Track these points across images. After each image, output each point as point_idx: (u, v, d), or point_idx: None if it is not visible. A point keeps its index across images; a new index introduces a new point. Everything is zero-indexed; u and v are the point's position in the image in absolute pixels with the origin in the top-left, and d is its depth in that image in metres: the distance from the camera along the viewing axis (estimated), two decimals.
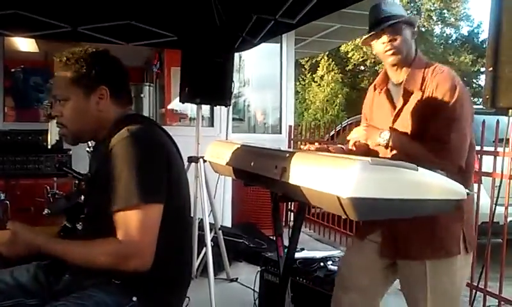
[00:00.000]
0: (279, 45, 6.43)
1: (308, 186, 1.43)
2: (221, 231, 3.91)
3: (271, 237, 5.17)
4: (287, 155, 1.63)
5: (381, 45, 1.94)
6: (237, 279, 3.98)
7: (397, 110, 1.97)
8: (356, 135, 1.98)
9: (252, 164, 1.90)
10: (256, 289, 3.15)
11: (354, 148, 2.02)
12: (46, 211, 1.67)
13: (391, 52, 1.92)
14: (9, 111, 5.20)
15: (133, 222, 1.45)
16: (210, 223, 3.63)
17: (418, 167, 1.33)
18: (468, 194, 1.46)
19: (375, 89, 2.12)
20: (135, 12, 3.91)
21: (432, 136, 1.83)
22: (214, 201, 3.88)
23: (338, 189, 1.26)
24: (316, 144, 2.17)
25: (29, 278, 1.70)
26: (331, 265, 2.86)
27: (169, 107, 6.19)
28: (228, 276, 4.00)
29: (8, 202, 2.45)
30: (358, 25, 7.12)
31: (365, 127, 2.00)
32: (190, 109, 6.02)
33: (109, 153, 1.53)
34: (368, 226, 2.10)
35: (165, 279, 1.59)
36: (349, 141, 2.01)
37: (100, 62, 1.66)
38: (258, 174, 1.87)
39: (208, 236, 3.42)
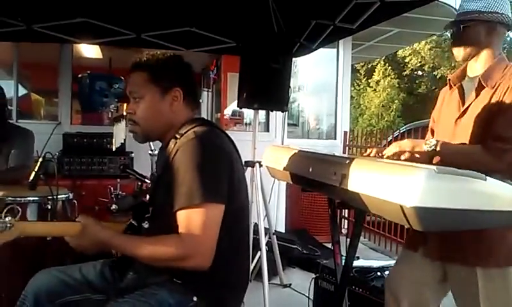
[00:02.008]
0: (335, 50, 6.38)
1: (368, 193, 1.41)
2: (275, 236, 3.92)
3: (324, 244, 5.14)
4: (347, 161, 1.61)
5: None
6: (290, 285, 3.97)
7: (465, 105, 1.92)
8: (399, 149, 1.89)
9: (310, 169, 1.89)
10: (310, 296, 3.13)
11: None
12: (114, 206, 1.74)
13: (454, 49, 1.97)
14: (76, 114, 5.48)
15: (195, 220, 1.49)
16: (264, 228, 3.64)
17: (487, 177, 1.28)
18: None
19: (450, 86, 2.07)
20: (195, 19, 4.01)
21: (495, 136, 1.75)
22: (268, 205, 3.89)
23: (402, 198, 1.24)
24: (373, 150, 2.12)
25: (96, 275, 1.78)
26: None
27: (225, 111, 6.29)
28: (281, 281, 3.99)
29: (75, 201, 2.58)
30: (417, 29, 6.93)
31: (408, 140, 1.96)
32: (246, 114, 6.09)
33: (175, 154, 1.59)
34: (419, 237, 2.04)
35: (224, 281, 1.62)
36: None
37: (176, 65, 1.74)
38: (316, 180, 1.86)
39: (263, 241, 3.43)
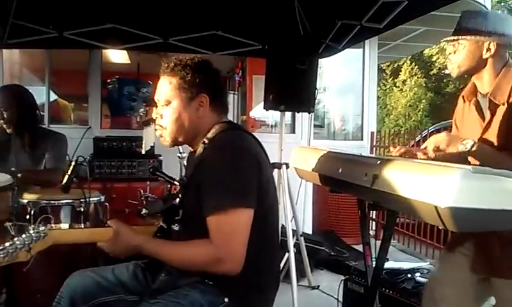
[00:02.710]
0: (361, 50, 6.33)
1: (401, 194, 1.39)
2: (302, 238, 3.90)
3: (352, 245, 5.09)
4: (378, 161, 1.59)
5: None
6: (318, 286, 3.95)
7: (485, 122, 1.87)
8: (435, 141, 1.87)
9: (340, 170, 1.88)
10: (339, 298, 3.10)
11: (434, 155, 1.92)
12: (144, 211, 1.77)
13: (448, 63, 1.93)
14: (105, 119, 5.58)
15: (224, 226, 1.51)
16: (292, 229, 3.63)
17: None
18: None
19: (464, 100, 2.02)
20: (221, 23, 4.05)
21: None
22: (295, 207, 3.88)
23: (436, 198, 1.22)
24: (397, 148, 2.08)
25: (129, 276, 1.81)
26: (420, 276, 2.75)
27: (250, 114, 6.31)
28: (309, 283, 3.98)
29: (107, 204, 2.63)
30: (444, 27, 6.79)
31: (446, 134, 1.91)
32: (271, 116, 6.10)
33: (203, 159, 1.61)
34: (458, 238, 2.00)
35: (255, 283, 1.62)
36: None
37: (204, 71, 1.74)
38: (346, 181, 1.84)
39: (291, 243, 3.42)
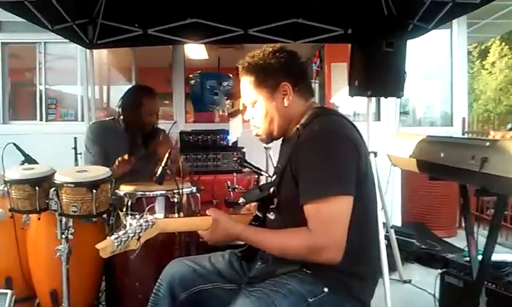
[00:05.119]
0: (448, 30, 5.95)
1: None
2: (393, 230, 3.75)
3: (444, 238, 4.83)
4: (487, 143, 1.48)
5: None
6: (410, 280, 3.78)
7: None
8: None
9: (442, 155, 1.78)
10: (433, 292, 2.93)
11: None
12: (241, 200, 1.77)
13: None
14: (188, 114, 5.73)
15: (323, 213, 1.45)
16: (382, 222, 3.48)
17: None
18: None
19: None
20: (301, 10, 3.98)
21: None
22: (384, 198, 3.72)
23: None
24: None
25: (225, 264, 1.82)
26: None
27: (330, 101, 6.20)
28: (401, 277, 3.82)
29: (198, 195, 2.67)
30: None
31: None
32: (351, 104, 5.95)
33: (299, 146, 1.56)
34: None
35: (355, 274, 1.56)
36: None
37: (278, 59, 1.68)
38: (449, 166, 1.74)
39: (382, 235, 3.27)
